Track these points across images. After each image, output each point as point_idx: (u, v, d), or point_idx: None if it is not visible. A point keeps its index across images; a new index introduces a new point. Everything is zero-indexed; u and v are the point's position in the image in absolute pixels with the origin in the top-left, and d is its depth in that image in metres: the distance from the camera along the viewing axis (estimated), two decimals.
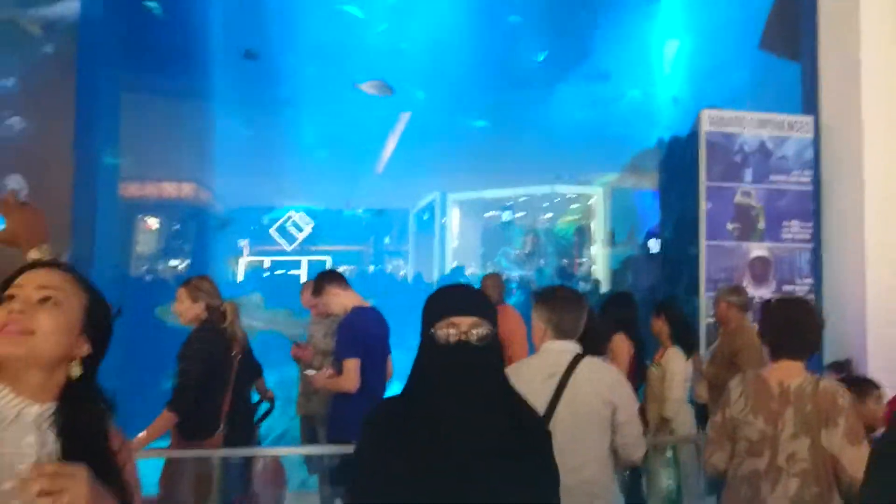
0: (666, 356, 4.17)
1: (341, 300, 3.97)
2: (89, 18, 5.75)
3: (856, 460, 2.36)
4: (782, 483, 2.46)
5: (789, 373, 2.55)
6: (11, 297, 1.27)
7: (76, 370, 1.32)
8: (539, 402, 2.52)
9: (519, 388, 2.47)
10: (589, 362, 2.68)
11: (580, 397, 2.58)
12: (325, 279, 4.05)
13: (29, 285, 1.29)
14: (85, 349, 1.33)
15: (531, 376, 2.65)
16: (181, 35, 9.79)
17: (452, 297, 1.65)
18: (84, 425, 1.29)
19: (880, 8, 5.17)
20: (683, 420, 4.11)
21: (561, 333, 2.71)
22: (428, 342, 1.62)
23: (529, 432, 1.67)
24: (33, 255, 1.61)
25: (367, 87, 11.55)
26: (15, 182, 5.27)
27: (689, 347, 4.23)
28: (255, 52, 11.73)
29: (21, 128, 5.20)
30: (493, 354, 1.62)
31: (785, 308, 2.67)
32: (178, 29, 9.71)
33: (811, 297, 5.48)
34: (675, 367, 4.07)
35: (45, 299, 1.28)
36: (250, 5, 11.99)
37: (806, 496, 2.43)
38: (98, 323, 1.36)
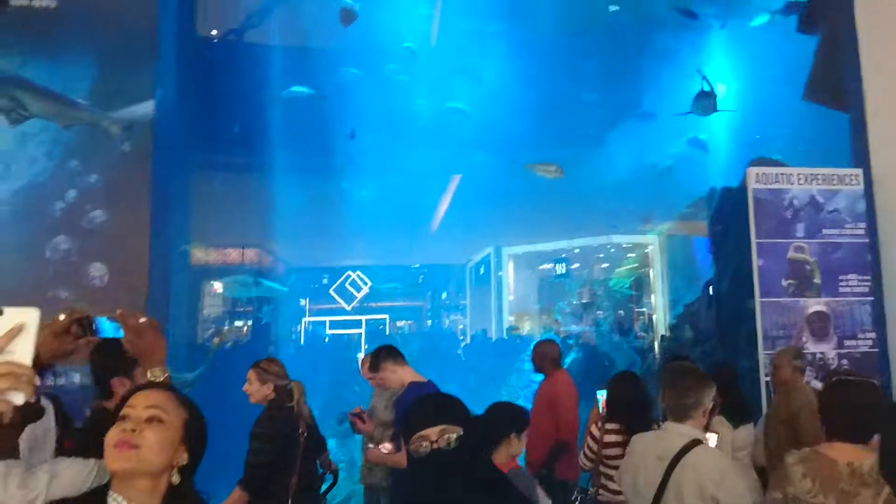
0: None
1: (398, 376, 4.11)
2: (163, 116, 6.27)
3: None
4: None
5: (855, 454, 2.49)
6: (124, 418, 1.50)
7: (176, 478, 1.53)
8: (649, 481, 2.75)
9: (633, 457, 2.92)
10: (700, 451, 2.73)
11: (686, 487, 2.66)
12: (380, 356, 4.20)
13: (139, 406, 1.53)
14: (184, 458, 1.54)
15: (644, 451, 2.85)
16: (245, 115, 10.48)
17: (420, 413, 1.86)
18: None
19: None
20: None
21: (673, 415, 2.80)
22: (410, 455, 1.82)
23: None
24: (149, 376, 1.81)
25: (538, 169, 11.76)
26: (96, 269, 5.67)
27: (739, 418, 4.22)
28: (354, 132, 12.49)
29: (103, 219, 5.69)
30: (464, 451, 1.80)
31: (845, 390, 2.62)
32: (241, 111, 10.40)
33: (874, 350, 5.38)
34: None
35: (151, 418, 1.51)
36: (305, 78, 12.69)
37: None
38: (195, 435, 1.58)
